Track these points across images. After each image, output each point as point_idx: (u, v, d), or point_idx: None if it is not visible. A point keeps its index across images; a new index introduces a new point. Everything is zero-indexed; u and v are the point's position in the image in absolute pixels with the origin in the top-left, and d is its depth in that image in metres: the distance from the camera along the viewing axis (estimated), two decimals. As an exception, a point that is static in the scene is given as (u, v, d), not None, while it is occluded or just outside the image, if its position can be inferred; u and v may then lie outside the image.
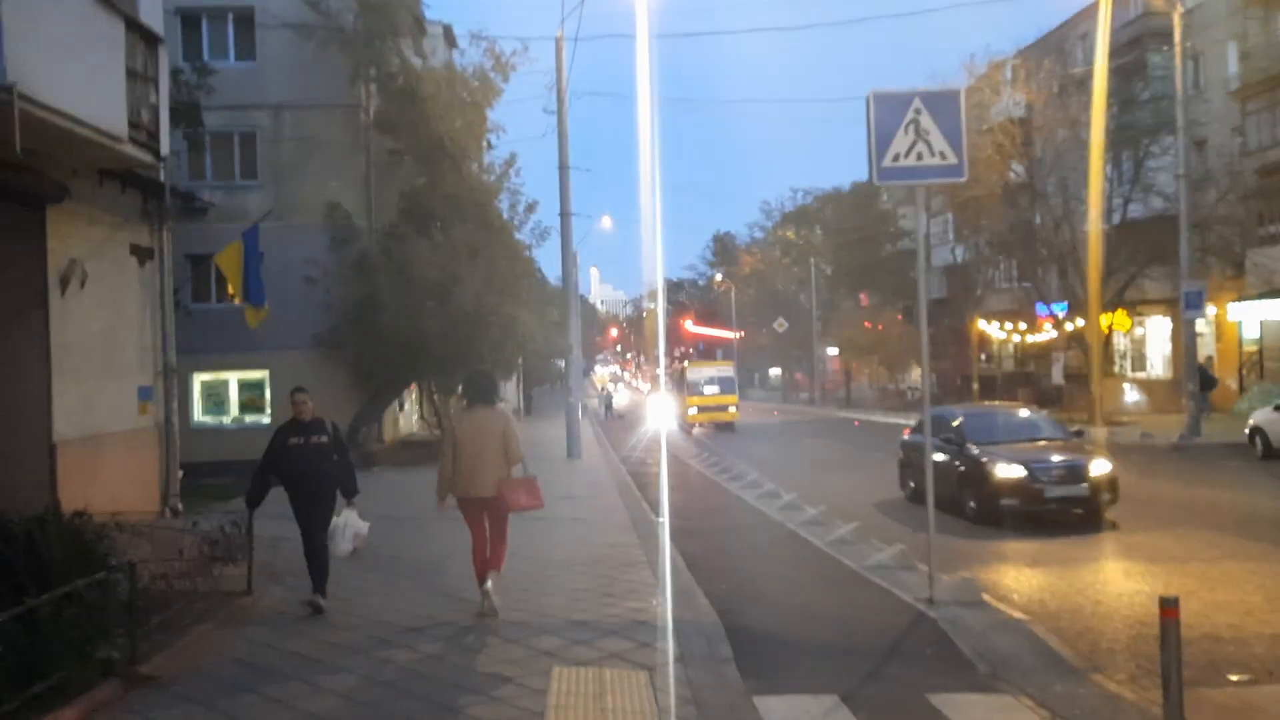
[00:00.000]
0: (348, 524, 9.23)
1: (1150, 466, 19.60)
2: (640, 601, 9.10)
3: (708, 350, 66.36)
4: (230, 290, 15.44)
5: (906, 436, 17.19)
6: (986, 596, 9.20)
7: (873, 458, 21.95)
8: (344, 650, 7.83)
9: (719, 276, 68.75)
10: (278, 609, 9.33)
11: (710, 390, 39.48)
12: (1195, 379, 24.95)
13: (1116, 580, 10.33)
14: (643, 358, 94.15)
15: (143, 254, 13.50)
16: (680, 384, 41.69)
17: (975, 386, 40.87)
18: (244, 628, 8.61)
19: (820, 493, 16.47)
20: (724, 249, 69.29)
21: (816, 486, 17.78)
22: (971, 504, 13.95)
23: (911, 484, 15.70)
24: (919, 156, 9.00)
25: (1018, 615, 8.69)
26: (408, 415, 32.07)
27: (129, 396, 13.27)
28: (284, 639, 8.19)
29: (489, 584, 8.48)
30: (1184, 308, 24.72)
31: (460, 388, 10.53)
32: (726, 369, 42.23)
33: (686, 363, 43.78)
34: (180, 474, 14.57)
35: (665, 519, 14.01)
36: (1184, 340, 25.45)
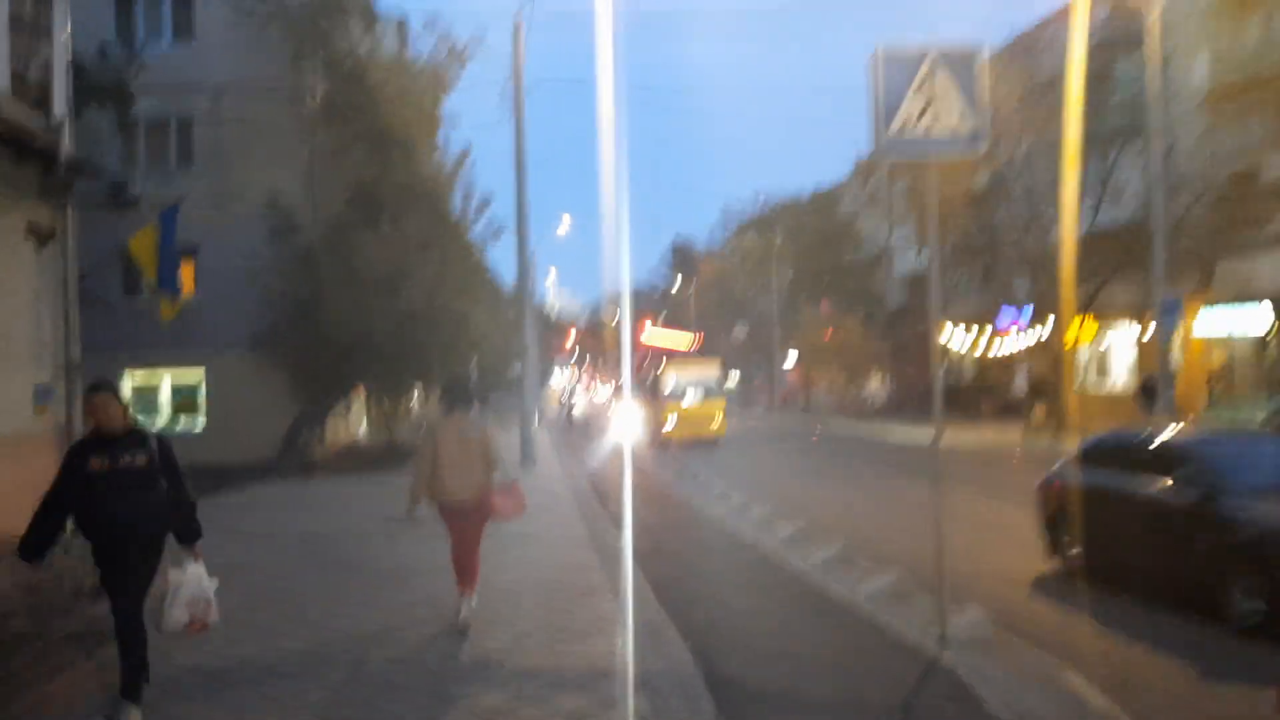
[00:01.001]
0: (184, 585, 6.42)
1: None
2: (603, 642, 7.62)
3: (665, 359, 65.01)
4: (147, 279, 13.64)
5: (1059, 469, 11.31)
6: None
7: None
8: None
9: (678, 284, 67.45)
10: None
11: (692, 398, 32.05)
12: (1169, 388, 23.94)
13: None
14: (602, 363, 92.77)
15: (41, 235, 11.82)
16: (652, 391, 33.78)
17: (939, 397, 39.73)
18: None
19: (887, 546, 13.08)
20: (683, 256, 68.07)
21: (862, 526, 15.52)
22: (1251, 601, 7.72)
23: (1077, 549, 9.96)
24: (930, 125, 7.61)
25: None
26: (357, 421, 30.33)
27: (20, 395, 11.59)
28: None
29: (465, 611, 8.08)
30: (1160, 315, 23.69)
31: (440, 394, 9.76)
32: (711, 370, 33.96)
33: (664, 361, 35.25)
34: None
35: (628, 535, 12.54)
36: (1159, 350, 24.42)
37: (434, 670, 7.05)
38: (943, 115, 7.59)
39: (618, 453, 25.41)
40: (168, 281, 13.80)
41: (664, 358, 40.20)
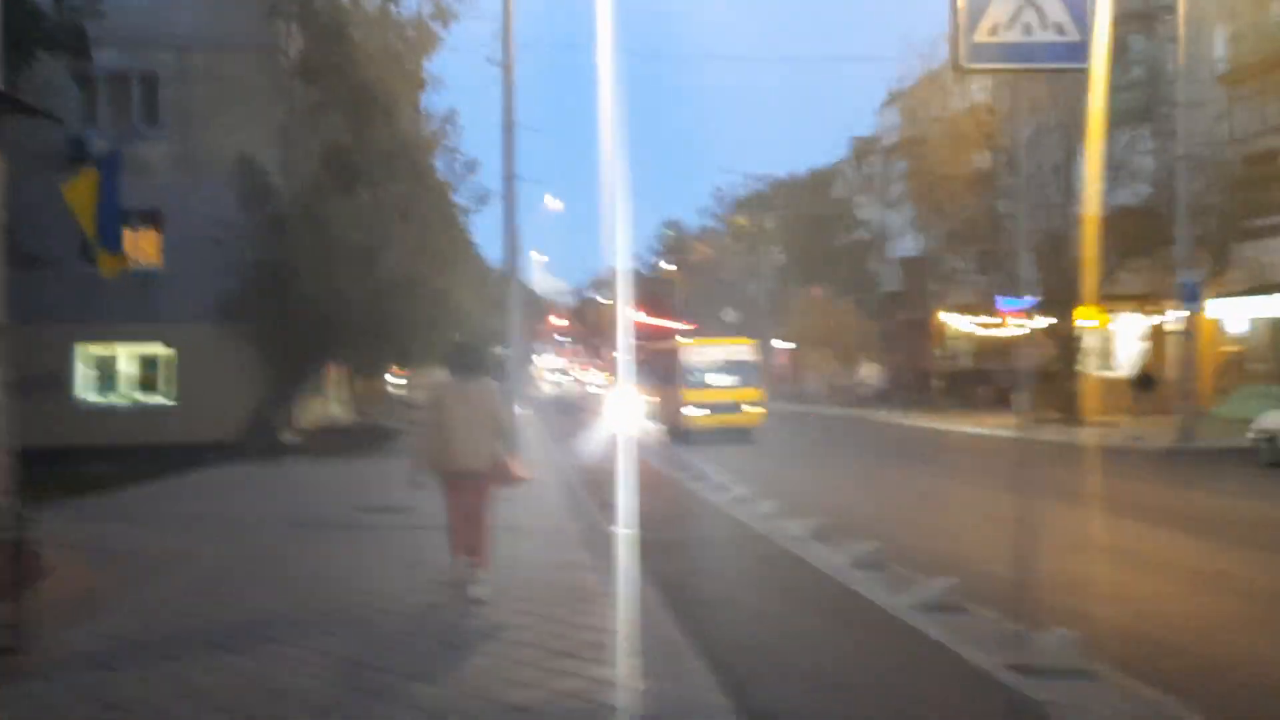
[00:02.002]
0: None
1: (1193, 477, 17.21)
2: (606, 665, 6.11)
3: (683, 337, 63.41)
4: (87, 232, 11.99)
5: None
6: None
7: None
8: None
9: (666, 265, 65.85)
10: (63, 663, 6.16)
11: (720, 381, 26.39)
12: (1191, 378, 22.59)
13: None
14: (594, 345, 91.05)
15: (-43, 178, 10.18)
16: (666, 373, 28.36)
17: (937, 383, 38.43)
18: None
19: (926, 547, 11.33)
20: (673, 237, 66.48)
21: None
22: None
23: None
24: (1027, 29, 6.09)
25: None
26: (332, 400, 28.71)
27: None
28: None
29: (480, 589, 7.68)
30: (1182, 299, 22.32)
31: (445, 358, 8.95)
32: (743, 350, 27.67)
33: (680, 340, 30.06)
34: (5, 464, 11.14)
35: (623, 529, 11.05)
36: (1179, 336, 23.06)
37: (403, 704, 5.52)
38: (1039, 20, 6.07)
39: (614, 440, 23.83)
40: (109, 237, 12.16)
41: (681, 335, 36.07)
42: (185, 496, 13.87)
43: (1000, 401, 36.75)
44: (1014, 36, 6.10)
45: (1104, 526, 11.19)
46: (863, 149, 48.94)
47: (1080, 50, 6.19)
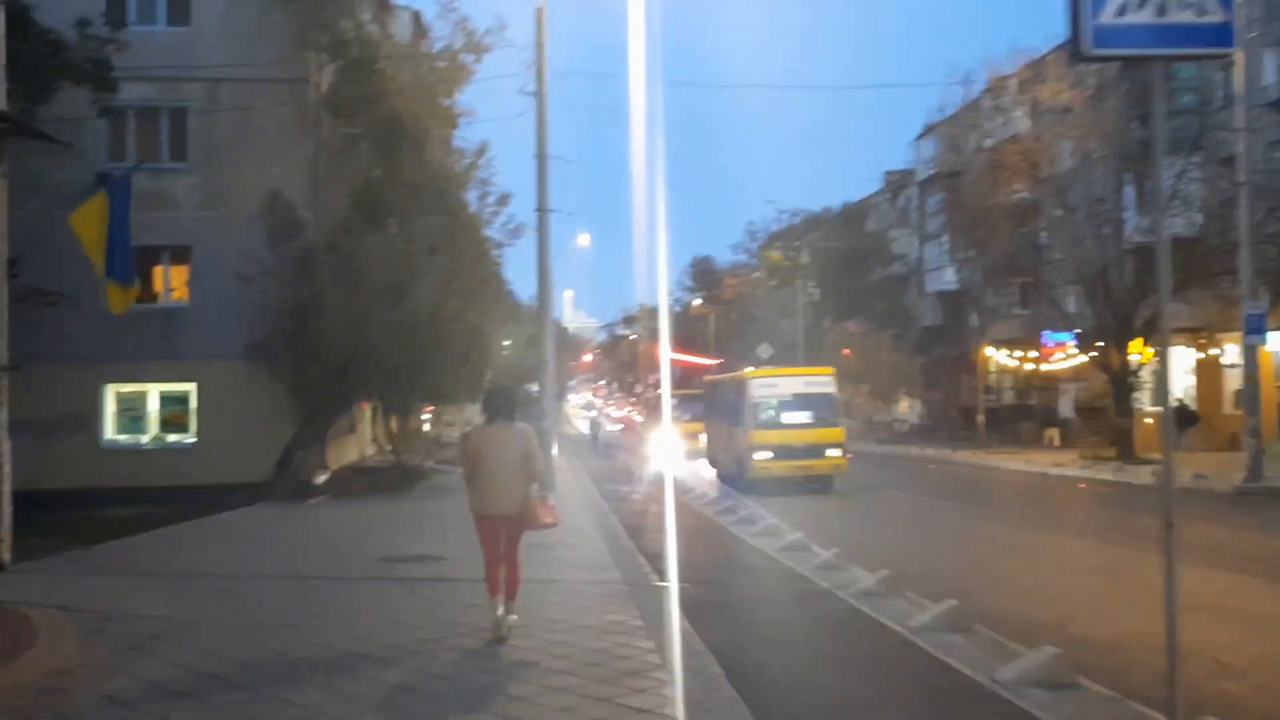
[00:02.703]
0: None
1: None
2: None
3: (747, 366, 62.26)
4: (93, 262, 11.16)
5: None
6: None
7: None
8: None
9: (697, 301, 64.90)
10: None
11: (796, 419, 22.01)
12: (1255, 414, 21.26)
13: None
14: (632, 381, 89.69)
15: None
16: (727, 409, 24.65)
17: (980, 419, 37.08)
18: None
19: (1010, 607, 9.70)
20: (703, 273, 65.55)
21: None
22: None
23: None
24: (1160, 9, 5.11)
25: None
26: (362, 440, 27.87)
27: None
28: None
29: (511, 616, 7.81)
30: (1246, 332, 21.04)
31: (481, 403, 8.62)
32: (823, 381, 22.97)
33: (750, 371, 25.25)
34: (6, 512, 10.28)
35: (672, 583, 10.03)
36: (1245, 368, 21.76)
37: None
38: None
39: (656, 483, 22.54)
40: (120, 268, 11.35)
41: (746, 365, 33.11)
42: (199, 545, 12.94)
43: (1047, 438, 35.50)
44: (1146, 17, 5.11)
45: (1205, 579, 10.01)
46: (897, 182, 48.00)
47: (1224, 33, 5.18)
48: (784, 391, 22.52)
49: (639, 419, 53.10)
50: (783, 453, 21.50)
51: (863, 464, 29.29)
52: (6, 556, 10.02)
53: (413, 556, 11.62)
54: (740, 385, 23.52)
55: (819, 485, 21.89)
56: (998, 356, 37.30)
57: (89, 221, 10.99)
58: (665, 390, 32.36)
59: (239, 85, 21.23)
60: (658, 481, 19.48)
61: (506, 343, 26.26)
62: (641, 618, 8.54)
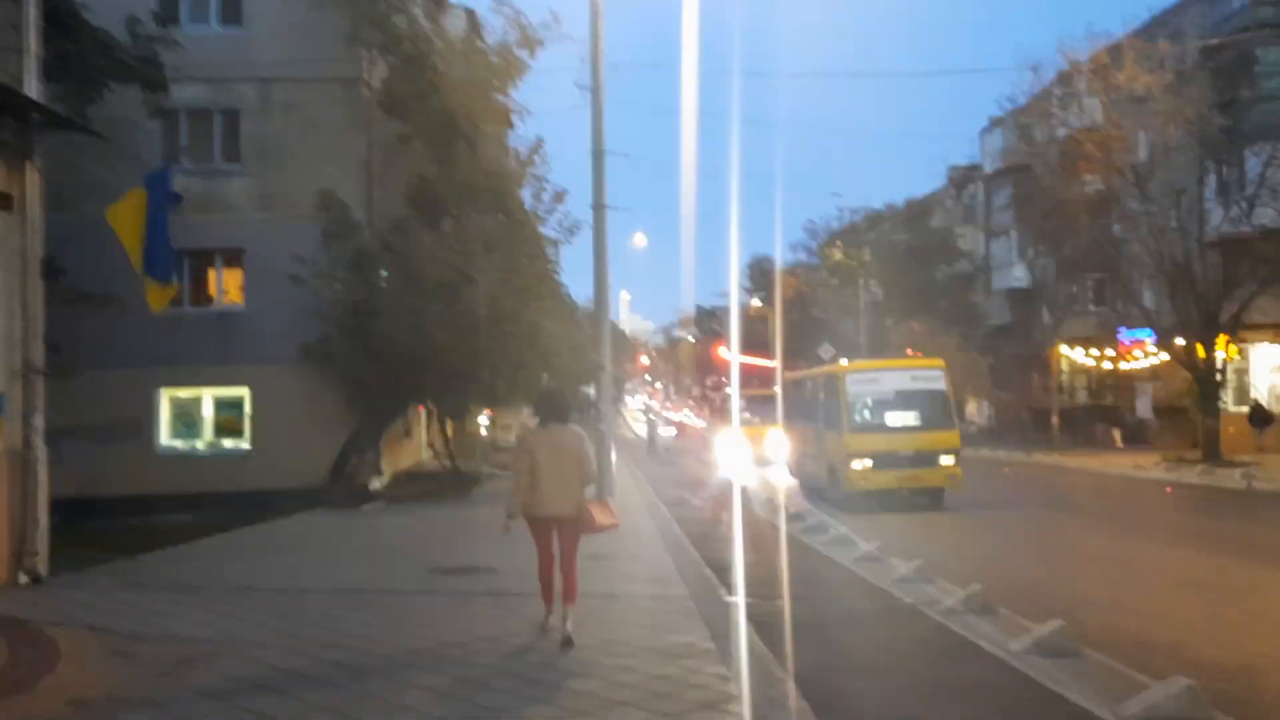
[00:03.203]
0: None
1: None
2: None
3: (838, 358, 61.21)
4: (131, 259, 10.66)
5: None
6: None
7: None
8: None
9: (756, 302, 63.78)
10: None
11: (902, 420, 18.79)
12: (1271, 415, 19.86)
13: None
14: (689, 384, 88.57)
15: (-10, 201, 8.97)
16: (815, 409, 21.31)
17: (1055, 420, 35.67)
18: None
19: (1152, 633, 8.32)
20: (762, 273, 64.48)
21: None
22: None
23: None
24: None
25: None
26: (419, 444, 27.37)
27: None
28: None
29: (568, 623, 7.59)
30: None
31: (533, 406, 9.14)
32: (932, 376, 19.55)
33: (844, 364, 21.85)
34: (42, 522, 9.79)
35: (742, 598, 9.25)
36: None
37: None
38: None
39: (722, 489, 21.49)
40: (159, 265, 10.85)
41: (837, 358, 30.74)
42: (246, 555, 12.43)
43: (1128, 439, 33.98)
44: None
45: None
46: (961, 177, 46.63)
47: None
48: (886, 388, 19.01)
49: (700, 423, 51.34)
50: (885, 461, 18.20)
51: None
52: (43, 570, 9.54)
53: (465, 568, 10.97)
54: (833, 382, 20.07)
55: (927, 500, 18.78)
56: (1072, 355, 35.83)
57: (127, 217, 10.52)
58: (734, 391, 30.66)
59: (291, 85, 20.90)
60: (724, 490, 18.44)
61: (562, 344, 25.31)
62: (712, 639, 7.77)
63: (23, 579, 9.29)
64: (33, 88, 9.27)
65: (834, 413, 19.52)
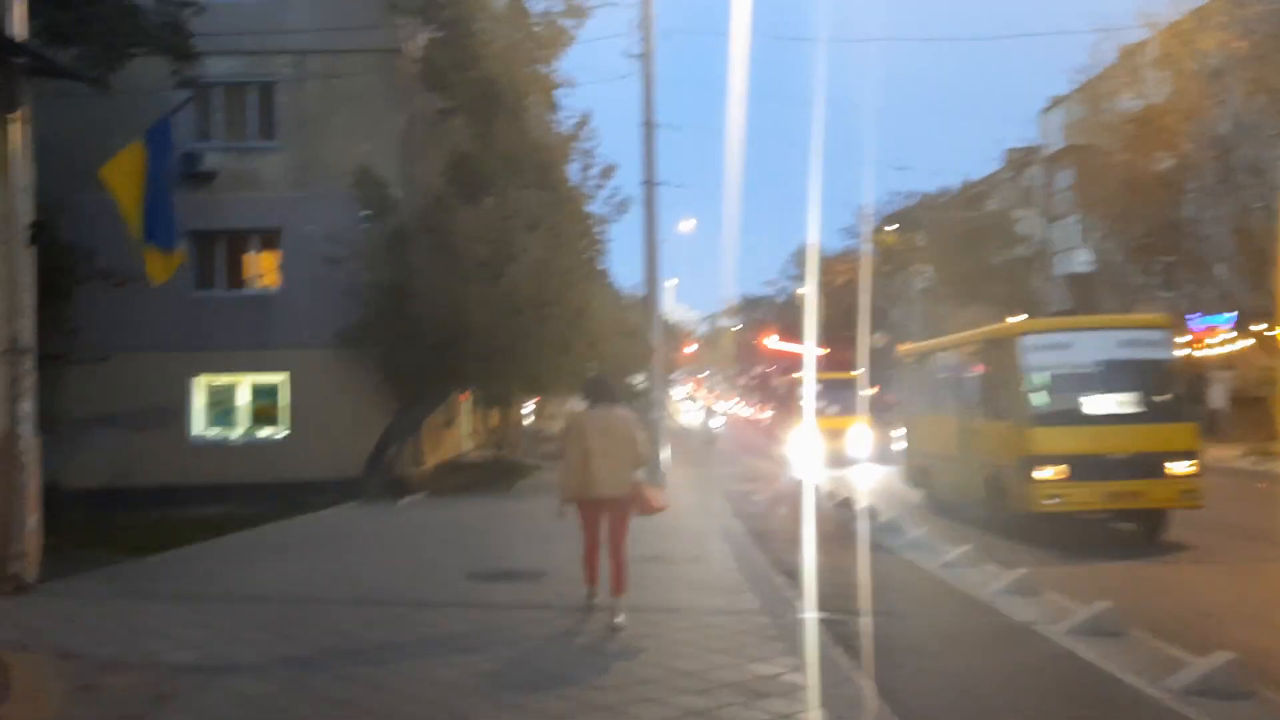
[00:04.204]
0: None
1: None
2: None
3: (791, 368, 59.43)
4: (129, 224, 9.40)
5: None
6: None
7: None
8: None
9: (802, 290, 61.94)
10: None
11: (1109, 407, 12.67)
12: None
13: None
14: (735, 373, 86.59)
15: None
16: (959, 390, 15.59)
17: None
18: None
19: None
20: (808, 260, 62.61)
21: None
22: None
23: None
24: None
25: None
26: (461, 432, 26.08)
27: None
28: None
29: (619, 617, 7.30)
30: None
31: (583, 390, 8.47)
32: (1154, 339, 12.94)
33: (1019, 323, 18.88)
34: (30, 522, 8.53)
35: (822, 613, 7.84)
36: None
37: None
38: None
39: (788, 485, 19.74)
40: (160, 229, 9.57)
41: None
42: (267, 555, 11.16)
43: (1202, 431, 31.82)
44: None
45: None
46: (1020, 159, 44.53)
47: None
48: (1085, 358, 12.83)
49: (766, 413, 48.59)
50: (1088, 469, 12.14)
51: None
52: (31, 575, 8.31)
53: (505, 573, 9.62)
54: (997, 350, 13.76)
55: (1143, 524, 13.02)
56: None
57: (124, 176, 9.23)
58: (808, 375, 28.38)
59: (328, 57, 19.65)
60: (796, 489, 16.87)
61: (609, 329, 23.69)
62: (799, 668, 6.33)
63: (6, 587, 8.07)
64: (15, 28, 8.02)
65: (998, 396, 13.45)
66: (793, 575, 9.67)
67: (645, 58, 18.91)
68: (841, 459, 26.05)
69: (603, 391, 7.90)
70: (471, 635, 7.23)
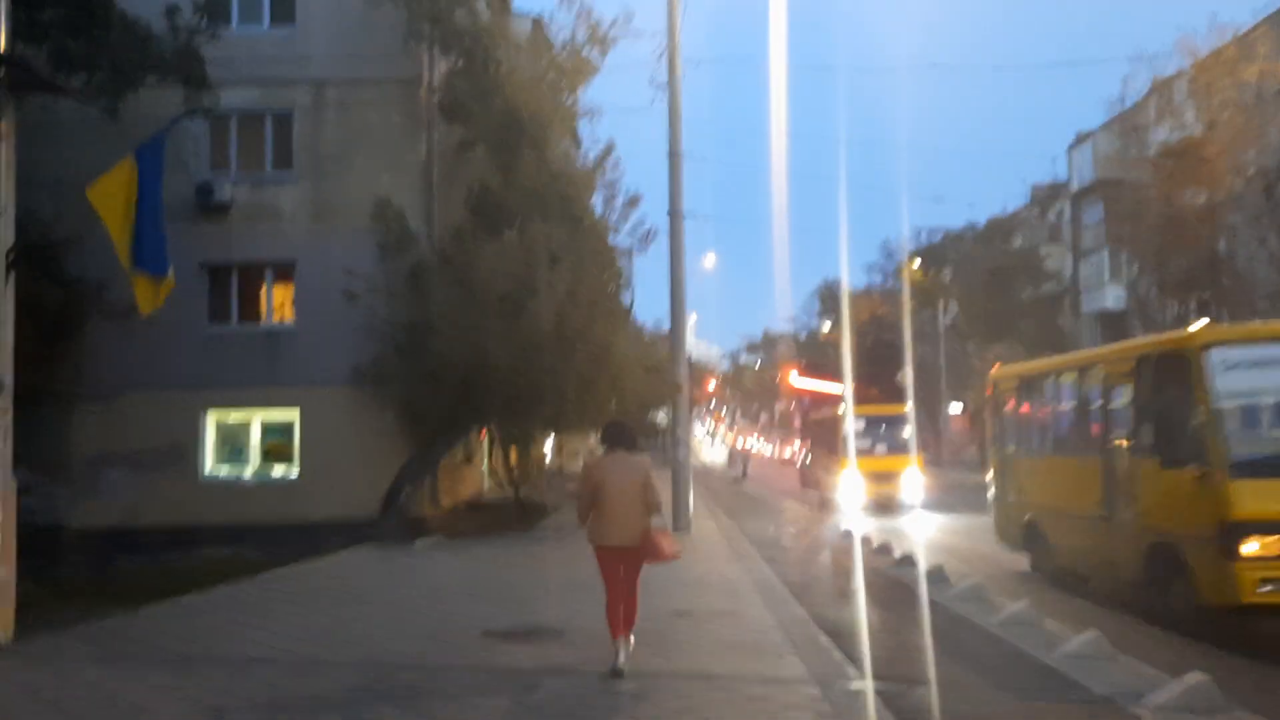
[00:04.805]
0: None
1: None
2: None
3: (814, 404, 58.25)
4: (117, 247, 8.69)
5: None
6: None
7: None
8: None
9: (826, 327, 61.06)
10: None
11: None
12: None
13: None
14: (757, 409, 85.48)
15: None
16: (1095, 422, 11.75)
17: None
18: None
19: None
20: (832, 297, 61.76)
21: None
22: None
23: None
24: None
25: None
26: (480, 472, 25.19)
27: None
28: None
29: (621, 655, 7.24)
30: None
31: (600, 435, 8.31)
32: None
33: (1226, 330, 12.27)
34: (4, 575, 7.75)
35: (882, 685, 6.95)
36: None
37: None
38: None
39: (836, 538, 18.17)
40: (150, 254, 8.86)
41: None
42: (268, 607, 10.32)
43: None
44: None
45: None
46: (1046, 195, 43.69)
47: None
48: None
49: (799, 451, 45.94)
50: None
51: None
52: (4, 634, 7.51)
53: (523, 630, 8.76)
54: (1171, 368, 10.00)
55: None
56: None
57: (112, 197, 8.53)
58: (850, 409, 25.46)
59: (347, 86, 19.17)
60: (839, 540, 15.75)
61: (633, 365, 22.73)
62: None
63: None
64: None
65: (1170, 433, 9.77)
66: (836, 632, 8.77)
67: (671, 87, 18.28)
68: (889, 505, 23.33)
69: (620, 437, 7.77)
70: (481, 711, 6.36)
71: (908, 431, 24.34)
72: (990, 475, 15.10)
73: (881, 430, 24.65)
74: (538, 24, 24.38)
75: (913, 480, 23.51)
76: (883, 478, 23.23)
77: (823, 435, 26.82)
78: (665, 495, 17.85)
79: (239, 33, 19.21)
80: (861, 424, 23.96)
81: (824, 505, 23.99)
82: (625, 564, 7.48)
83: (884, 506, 22.85)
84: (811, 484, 28.97)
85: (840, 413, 23.99)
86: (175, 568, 14.69)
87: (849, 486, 20.71)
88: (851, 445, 22.15)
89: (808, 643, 8.53)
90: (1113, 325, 39.16)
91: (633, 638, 7.48)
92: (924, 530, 19.69)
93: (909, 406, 24.31)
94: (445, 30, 18.22)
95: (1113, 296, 38.23)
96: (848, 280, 45.71)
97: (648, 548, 7.42)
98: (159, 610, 9.72)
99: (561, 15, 19.54)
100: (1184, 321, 33.16)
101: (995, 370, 16.14)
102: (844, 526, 16.86)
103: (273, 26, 19.42)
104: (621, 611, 7.41)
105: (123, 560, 16.03)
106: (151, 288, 8.86)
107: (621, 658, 7.24)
